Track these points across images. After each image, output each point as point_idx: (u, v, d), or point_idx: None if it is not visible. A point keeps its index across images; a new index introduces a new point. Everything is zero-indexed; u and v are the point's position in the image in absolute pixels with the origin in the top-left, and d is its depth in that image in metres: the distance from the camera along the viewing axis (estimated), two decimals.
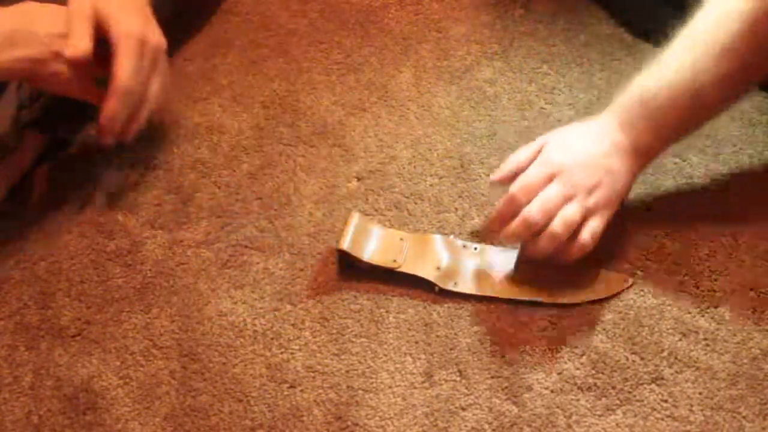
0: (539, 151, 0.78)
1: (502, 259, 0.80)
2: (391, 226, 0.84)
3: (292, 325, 0.78)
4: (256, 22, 1.05)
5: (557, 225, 0.74)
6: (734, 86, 0.75)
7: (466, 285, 0.78)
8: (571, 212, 0.74)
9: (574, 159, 0.76)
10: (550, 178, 0.76)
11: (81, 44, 0.75)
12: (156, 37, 0.80)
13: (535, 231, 0.75)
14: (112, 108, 0.78)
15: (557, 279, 0.78)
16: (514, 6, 1.06)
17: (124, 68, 0.77)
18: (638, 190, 0.86)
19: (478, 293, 0.78)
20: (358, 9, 1.06)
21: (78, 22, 0.76)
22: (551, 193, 0.75)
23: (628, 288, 0.79)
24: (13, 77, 0.78)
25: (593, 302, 0.78)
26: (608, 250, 0.82)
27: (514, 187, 0.76)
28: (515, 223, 0.75)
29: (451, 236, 0.82)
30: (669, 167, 0.88)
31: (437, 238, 0.82)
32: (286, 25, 1.04)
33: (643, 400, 0.72)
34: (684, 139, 0.79)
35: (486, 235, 0.83)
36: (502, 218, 0.77)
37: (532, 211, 0.75)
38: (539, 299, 0.78)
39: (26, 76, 0.77)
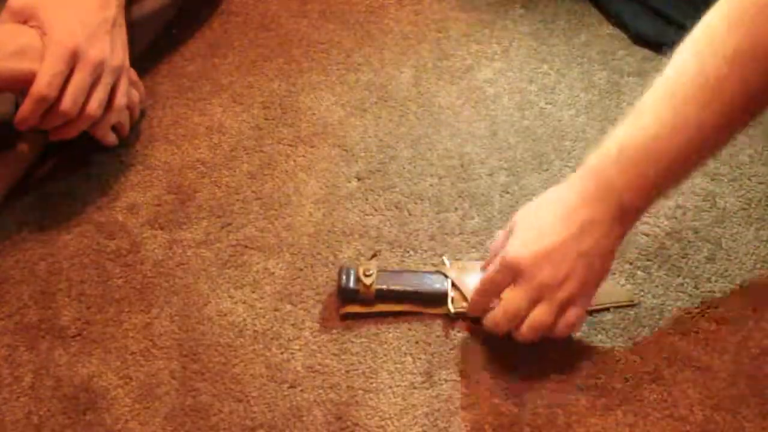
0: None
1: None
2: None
3: (292, 325, 0.78)
4: (256, 22, 1.05)
5: (525, 331, 0.71)
6: (722, 134, 0.69)
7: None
8: (538, 316, 0.70)
9: (538, 253, 0.69)
10: (513, 279, 0.71)
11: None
12: (99, 54, 0.79)
13: (506, 331, 0.72)
14: (23, 110, 0.78)
15: None
16: (514, 6, 1.06)
17: (43, 75, 0.76)
18: None
19: None
20: (358, 9, 1.06)
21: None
22: (514, 299, 0.71)
23: (630, 305, 0.78)
24: (14, 88, 0.79)
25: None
26: None
27: (479, 287, 0.74)
28: (486, 323, 0.73)
29: (444, 258, 0.81)
30: None
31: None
32: (286, 25, 1.04)
33: (643, 400, 0.72)
34: (667, 196, 0.73)
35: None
36: (474, 311, 0.75)
37: (497, 316, 0.72)
38: None
39: (24, 88, 0.78)
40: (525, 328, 0.71)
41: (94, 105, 0.80)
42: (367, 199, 0.87)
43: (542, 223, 0.71)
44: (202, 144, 0.92)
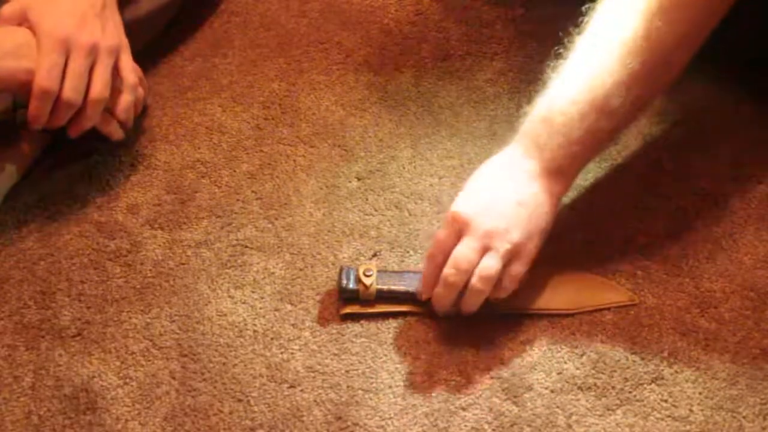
0: None
1: None
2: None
3: (292, 325, 0.78)
4: (256, 22, 1.05)
5: (476, 282, 0.72)
6: (640, 91, 0.71)
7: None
8: (487, 265, 0.71)
9: (481, 206, 0.72)
10: (459, 234, 0.72)
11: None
12: (91, 37, 0.79)
13: (458, 290, 0.73)
14: (32, 109, 0.79)
15: (560, 288, 0.78)
16: (514, 6, 1.06)
17: (41, 68, 0.77)
18: (638, 190, 0.86)
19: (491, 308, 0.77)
20: (358, 9, 1.06)
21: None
22: (462, 250, 0.72)
23: (630, 305, 0.78)
24: (11, 86, 0.80)
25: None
26: (609, 250, 0.82)
27: (429, 250, 0.74)
28: (438, 290, 0.74)
29: None
30: (669, 167, 0.88)
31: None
32: (286, 25, 1.04)
33: (643, 400, 0.72)
34: (598, 157, 0.76)
35: None
36: (427, 284, 0.75)
37: (448, 273, 0.72)
38: (537, 309, 0.78)
39: (23, 87, 0.78)
40: (475, 279, 0.72)
41: (98, 87, 0.80)
42: (367, 199, 0.87)
43: (482, 181, 0.74)
44: (202, 144, 0.92)
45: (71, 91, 0.79)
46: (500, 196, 0.73)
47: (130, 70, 0.84)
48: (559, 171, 0.73)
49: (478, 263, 0.72)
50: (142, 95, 0.89)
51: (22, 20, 0.79)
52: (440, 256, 0.73)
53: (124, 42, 0.85)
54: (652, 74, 0.71)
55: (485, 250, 0.72)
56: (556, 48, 0.74)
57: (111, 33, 0.82)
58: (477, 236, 0.71)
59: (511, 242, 0.71)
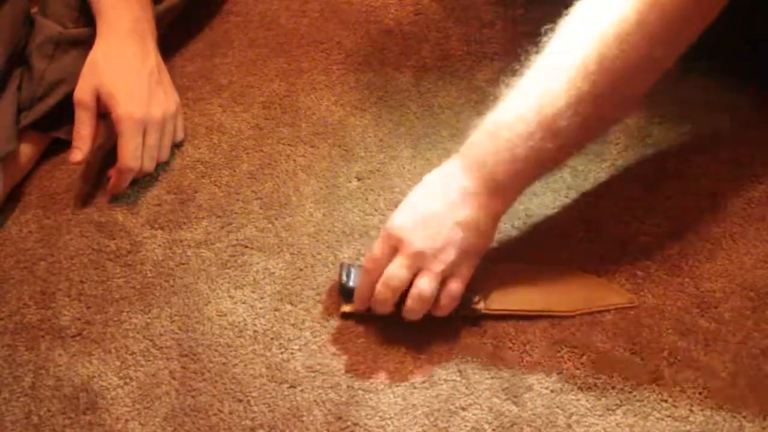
0: None
1: None
2: None
3: (292, 325, 0.78)
4: (256, 22, 1.05)
5: (410, 303, 0.72)
6: (589, 114, 0.70)
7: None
8: (421, 287, 0.71)
9: (416, 223, 0.71)
10: (394, 250, 0.72)
11: (83, 148, 0.84)
12: (160, 110, 0.86)
13: (392, 305, 0.73)
14: (116, 183, 0.86)
15: (560, 290, 0.78)
16: (514, 6, 1.06)
17: (126, 150, 0.84)
18: (638, 190, 0.86)
19: (491, 310, 0.77)
20: (358, 9, 1.06)
21: (82, 116, 0.84)
22: (394, 269, 0.71)
23: (630, 307, 0.78)
24: None
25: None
26: (609, 251, 0.82)
27: (364, 265, 0.74)
28: (372, 305, 0.74)
29: None
30: (669, 167, 0.88)
31: None
32: (286, 24, 1.04)
33: (643, 400, 0.72)
34: (542, 178, 0.75)
35: None
36: (361, 297, 0.75)
37: (379, 291, 0.72)
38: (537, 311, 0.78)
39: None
40: (408, 299, 0.72)
41: (164, 153, 0.89)
42: (367, 199, 0.87)
43: (420, 195, 0.73)
44: (202, 144, 0.92)
45: (149, 163, 0.86)
46: (437, 214, 0.71)
47: (180, 128, 0.91)
48: (500, 188, 0.72)
49: (409, 281, 0.71)
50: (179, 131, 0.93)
51: (99, 94, 0.84)
52: (375, 273, 0.73)
53: (177, 98, 0.91)
54: (602, 99, 0.70)
55: (418, 269, 0.71)
56: (513, 65, 0.74)
57: (170, 95, 0.89)
58: (409, 254, 0.71)
59: (446, 263, 0.71)
